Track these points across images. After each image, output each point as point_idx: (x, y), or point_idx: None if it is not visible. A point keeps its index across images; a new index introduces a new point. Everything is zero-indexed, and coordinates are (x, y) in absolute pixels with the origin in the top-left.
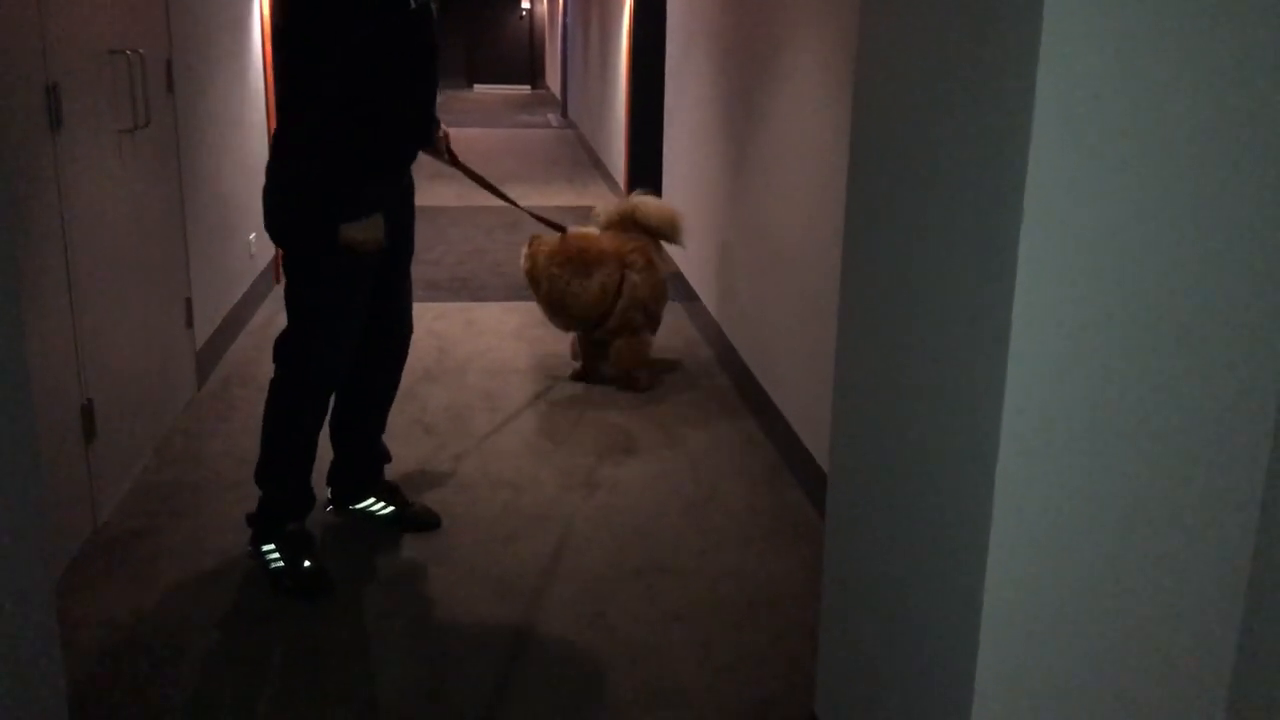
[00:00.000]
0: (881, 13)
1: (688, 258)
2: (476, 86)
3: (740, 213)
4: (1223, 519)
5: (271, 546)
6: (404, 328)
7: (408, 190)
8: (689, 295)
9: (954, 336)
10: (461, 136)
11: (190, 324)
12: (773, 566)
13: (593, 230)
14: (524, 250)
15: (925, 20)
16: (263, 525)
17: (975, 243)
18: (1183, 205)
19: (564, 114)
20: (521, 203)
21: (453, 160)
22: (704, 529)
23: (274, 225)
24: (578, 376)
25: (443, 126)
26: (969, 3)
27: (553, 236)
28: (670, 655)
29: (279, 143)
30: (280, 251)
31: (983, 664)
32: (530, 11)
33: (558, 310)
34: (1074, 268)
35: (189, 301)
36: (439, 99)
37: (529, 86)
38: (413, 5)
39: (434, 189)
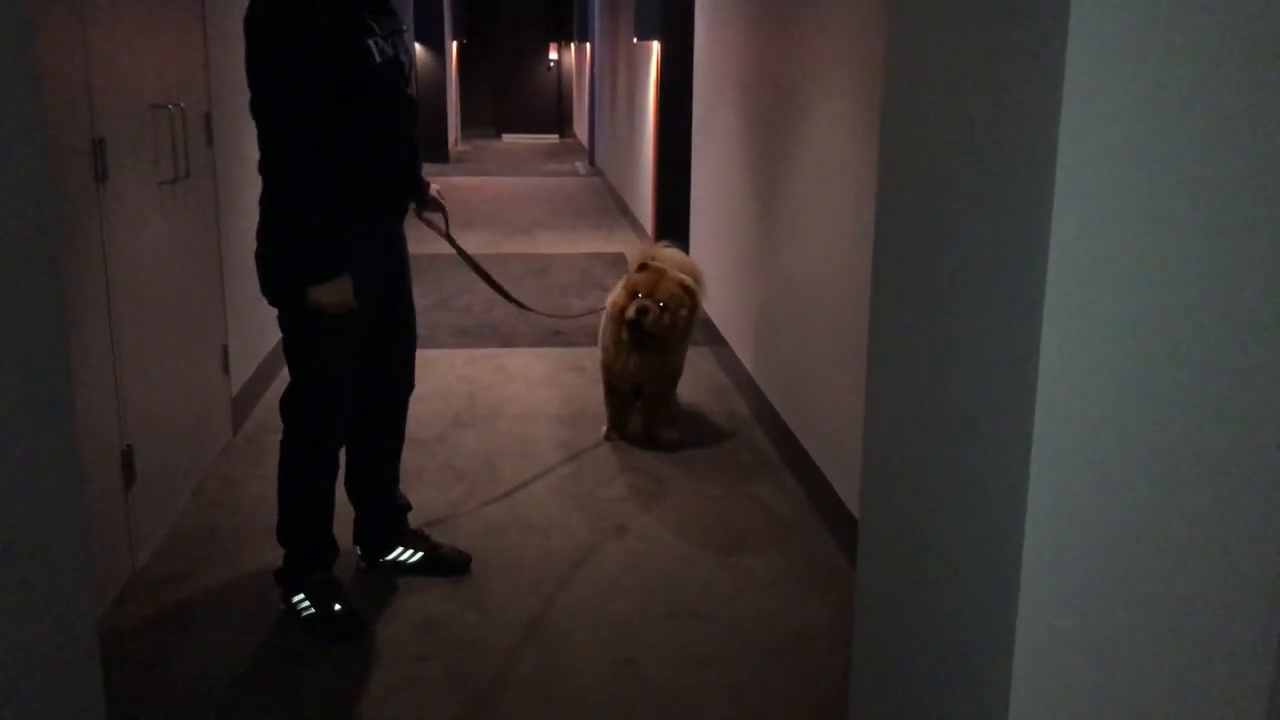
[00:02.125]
0: (905, 52)
1: (716, 302)
2: (505, 136)
3: (769, 259)
4: (1262, 546)
5: (301, 596)
6: (401, 384)
7: (397, 246)
8: (717, 340)
9: (983, 375)
10: (490, 185)
11: (227, 370)
12: (803, 611)
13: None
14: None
15: (948, 55)
16: (290, 580)
17: (1002, 282)
18: (1211, 228)
19: (591, 162)
20: (550, 250)
21: (447, 236)
22: (734, 574)
23: (263, 285)
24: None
25: (440, 199)
26: (990, 45)
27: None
28: (701, 699)
29: (261, 205)
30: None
31: (1015, 709)
32: (558, 63)
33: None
34: (1105, 310)
35: (225, 349)
36: (464, 147)
37: (557, 136)
38: (378, 59)
39: (462, 239)
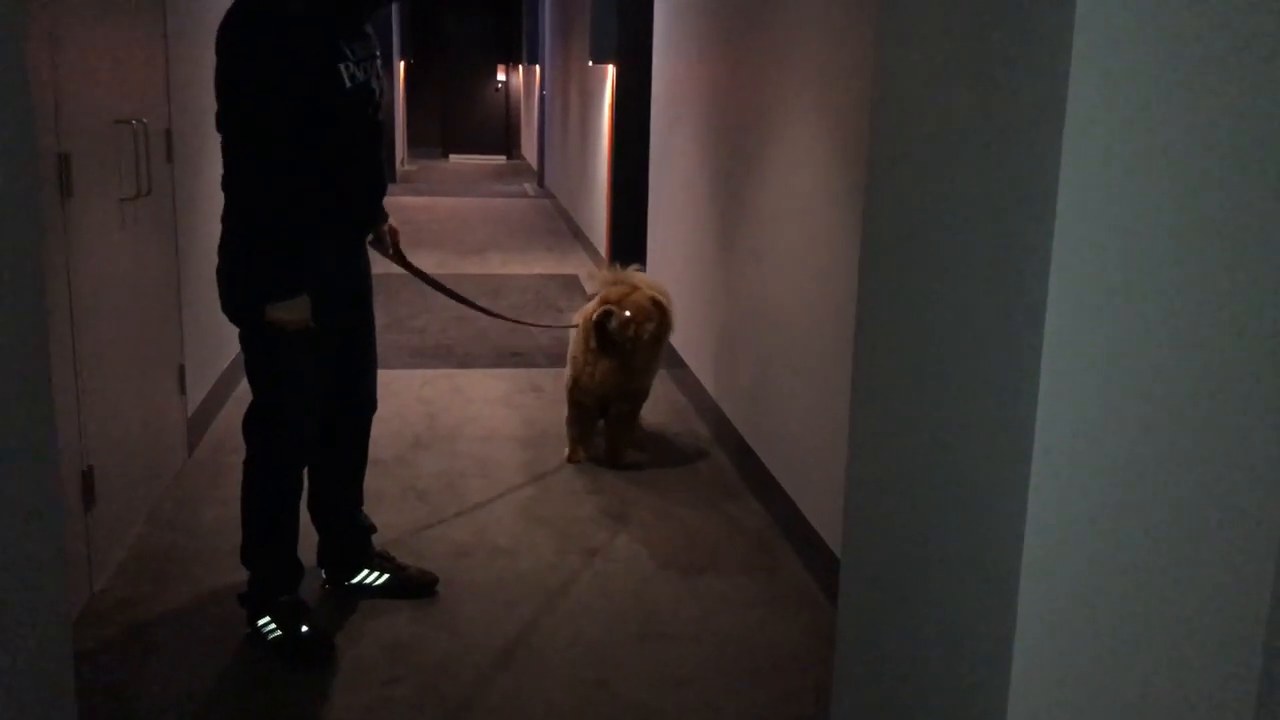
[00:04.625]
0: (896, 53)
1: (675, 324)
2: (452, 156)
3: (730, 281)
4: (1259, 548)
5: (267, 619)
6: (367, 404)
7: (359, 267)
8: (676, 362)
9: (981, 386)
10: (440, 205)
11: (183, 390)
12: (774, 631)
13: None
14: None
15: (943, 55)
16: (255, 603)
17: (1001, 292)
18: (1218, 229)
19: (540, 184)
20: (503, 271)
21: (398, 258)
22: (703, 594)
23: (223, 302)
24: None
25: (391, 222)
26: (989, 44)
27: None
28: None
29: (223, 222)
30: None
31: None
32: (506, 84)
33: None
34: (1107, 321)
35: (182, 368)
36: (411, 167)
37: (504, 157)
38: (349, 84)
39: (414, 259)
